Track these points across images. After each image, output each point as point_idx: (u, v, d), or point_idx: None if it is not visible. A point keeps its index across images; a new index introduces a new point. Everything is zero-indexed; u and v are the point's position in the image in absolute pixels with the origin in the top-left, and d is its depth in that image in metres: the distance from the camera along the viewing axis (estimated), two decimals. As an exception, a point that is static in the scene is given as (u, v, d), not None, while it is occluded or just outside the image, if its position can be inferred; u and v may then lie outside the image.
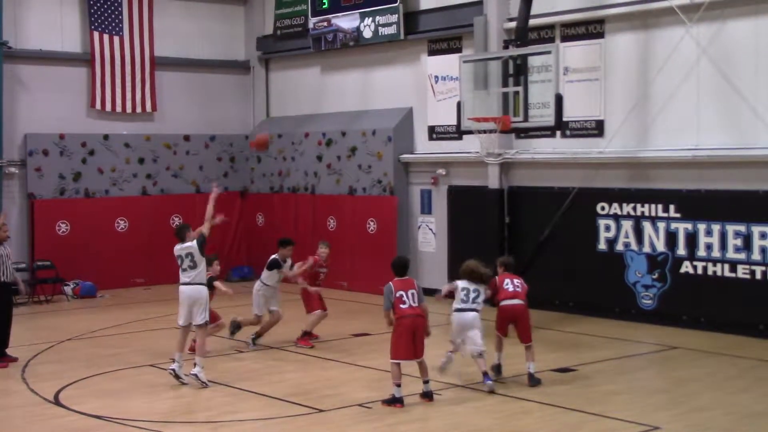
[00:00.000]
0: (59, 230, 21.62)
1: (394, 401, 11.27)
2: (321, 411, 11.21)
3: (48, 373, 13.34)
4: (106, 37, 22.40)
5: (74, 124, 22.13)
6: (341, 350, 14.74)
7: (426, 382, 11.55)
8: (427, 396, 11.52)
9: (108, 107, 22.52)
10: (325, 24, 22.33)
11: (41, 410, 11.42)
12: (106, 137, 22.45)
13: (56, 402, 11.73)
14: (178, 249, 12.71)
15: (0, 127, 20.83)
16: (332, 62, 22.94)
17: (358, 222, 21.29)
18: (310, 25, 22.68)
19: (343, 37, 21.94)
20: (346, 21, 21.82)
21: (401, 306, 11.31)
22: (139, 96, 22.95)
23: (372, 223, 20.93)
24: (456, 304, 12.16)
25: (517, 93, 16.54)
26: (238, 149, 24.34)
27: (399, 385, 11.30)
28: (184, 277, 12.73)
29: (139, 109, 22.95)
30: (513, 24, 17.87)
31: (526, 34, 17.44)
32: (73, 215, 21.78)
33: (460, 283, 12.21)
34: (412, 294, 11.43)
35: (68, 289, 21.12)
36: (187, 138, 23.62)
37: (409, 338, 11.29)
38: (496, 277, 12.72)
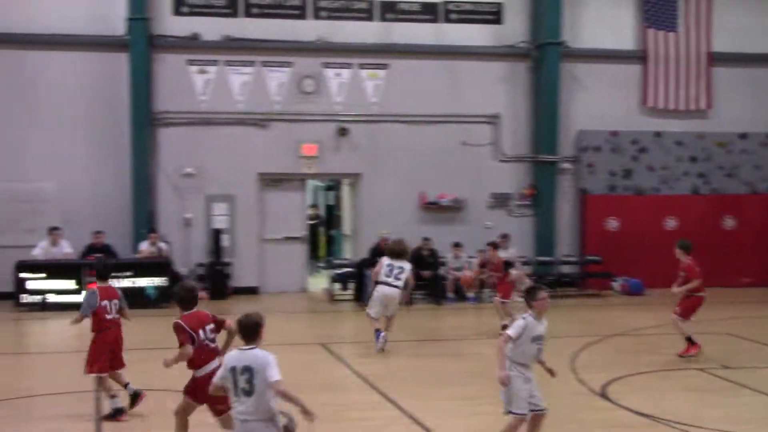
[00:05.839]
0: (608, 226, 21.87)
1: None
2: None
3: (595, 365, 13.46)
4: (660, 33, 22.19)
5: (626, 121, 22.26)
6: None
7: None
8: None
9: (660, 104, 22.30)
10: None
11: (587, 401, 11.52)
12: (657, 134, 22.24)
13: (602, 395, 11.76)
14: None
15: (556, 124, 21.64)
16: None
17: None
18: None
19: None
20: None
21: None
22: (693, 93, 22.39)
23: None
24: None
25: None
26: (799, 147, 22.70)
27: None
28: None
29: (692, 106, 22.41)
30: None
31: None
32: (621, 211, 21.91)
33: None
34: None
35: (615, 285, 21.30)
36: (743, 136, 22.54)
37: None
38: None
